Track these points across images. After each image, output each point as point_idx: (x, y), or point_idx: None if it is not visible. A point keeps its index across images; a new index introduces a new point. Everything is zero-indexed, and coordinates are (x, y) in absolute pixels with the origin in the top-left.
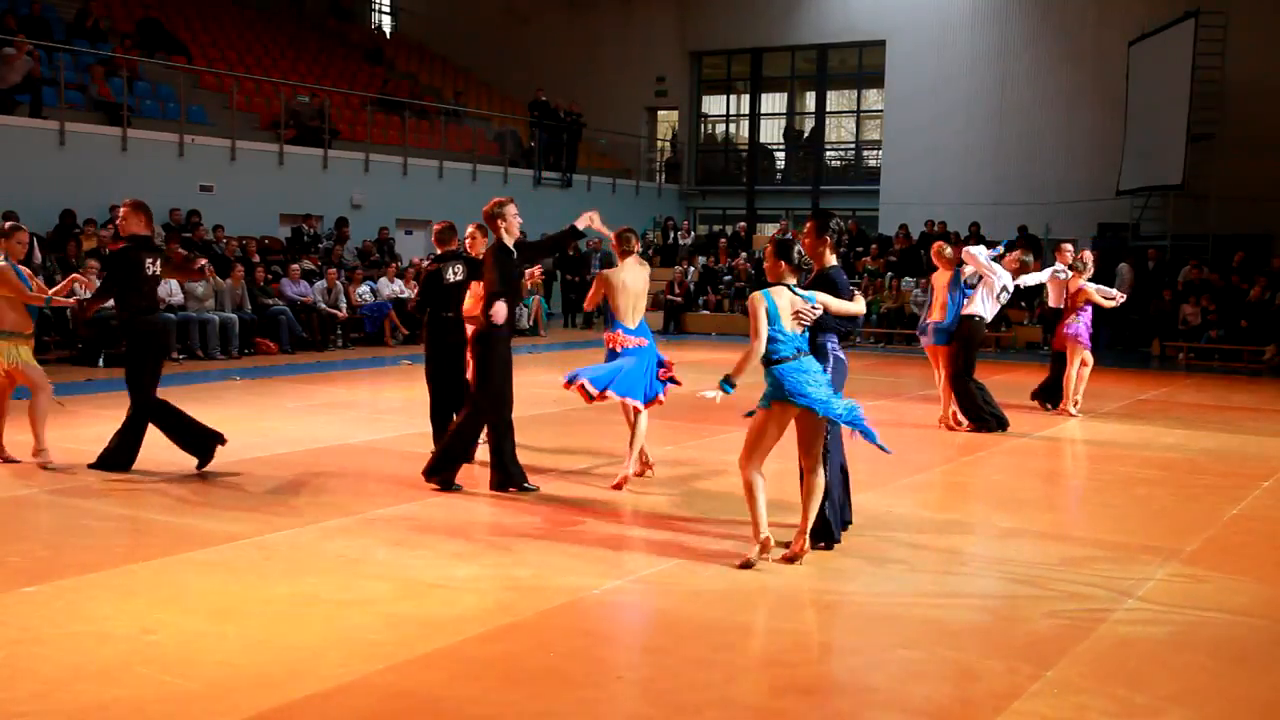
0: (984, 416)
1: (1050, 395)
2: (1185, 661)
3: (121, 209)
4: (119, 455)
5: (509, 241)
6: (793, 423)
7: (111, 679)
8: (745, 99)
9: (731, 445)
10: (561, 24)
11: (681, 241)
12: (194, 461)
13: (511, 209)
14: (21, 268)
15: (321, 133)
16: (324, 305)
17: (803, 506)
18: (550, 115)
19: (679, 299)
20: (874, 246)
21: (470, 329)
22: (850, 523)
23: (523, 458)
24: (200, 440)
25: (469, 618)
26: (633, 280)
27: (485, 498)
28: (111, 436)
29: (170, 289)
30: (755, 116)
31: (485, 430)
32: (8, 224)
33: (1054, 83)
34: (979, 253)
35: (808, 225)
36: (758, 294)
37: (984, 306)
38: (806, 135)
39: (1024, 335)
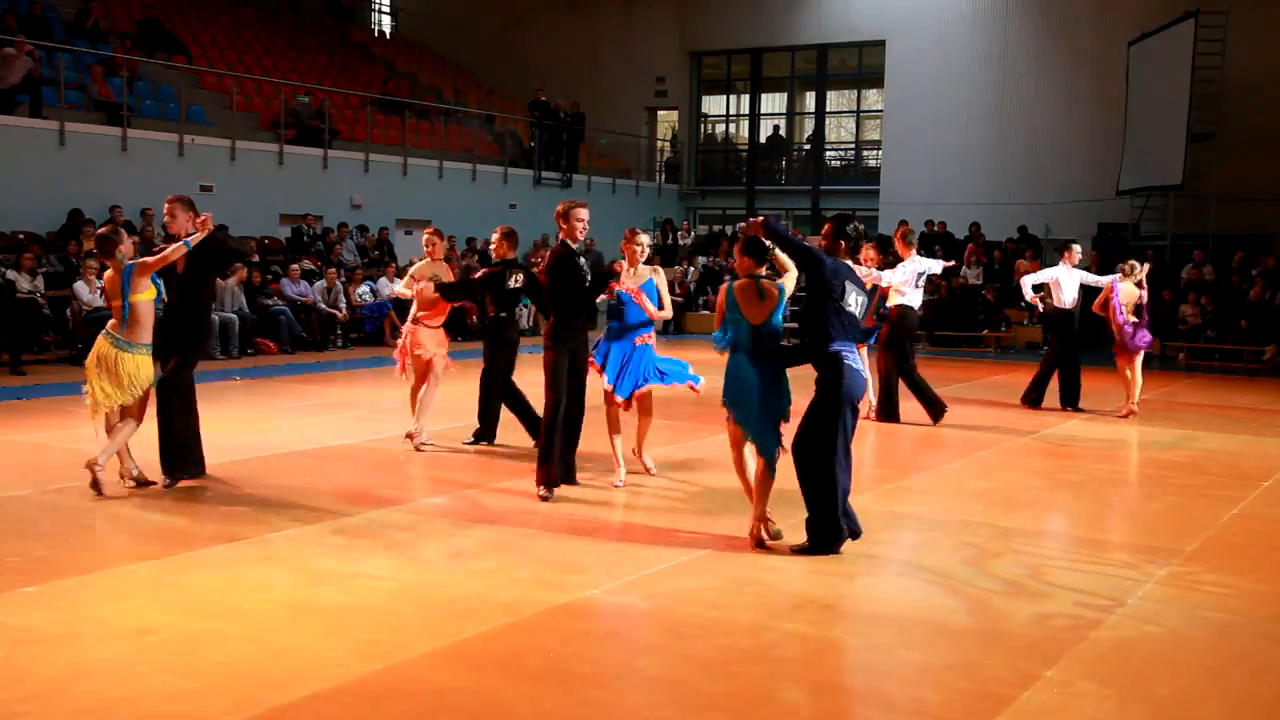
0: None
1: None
2: (1185, 661)
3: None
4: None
5: (572, 244)
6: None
7: (111, 679)
8: (745, 99)
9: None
10: (561, 24)
11: (681, 241)
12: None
13: (579, 212)
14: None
15: (321, 133)
16: (324, 305)
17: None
18: (550, 115)
19: (679, 299)
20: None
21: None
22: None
23: (521, 458)
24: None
25: (469, 617)
26: None
27: (484, 497)
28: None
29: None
30: (755, 116)
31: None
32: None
33: (1054, 83)
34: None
35: (825, 227)
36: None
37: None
38: (804, 138)
39: (1024, 335)
